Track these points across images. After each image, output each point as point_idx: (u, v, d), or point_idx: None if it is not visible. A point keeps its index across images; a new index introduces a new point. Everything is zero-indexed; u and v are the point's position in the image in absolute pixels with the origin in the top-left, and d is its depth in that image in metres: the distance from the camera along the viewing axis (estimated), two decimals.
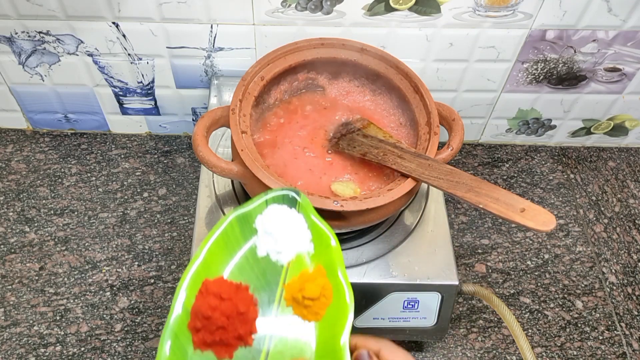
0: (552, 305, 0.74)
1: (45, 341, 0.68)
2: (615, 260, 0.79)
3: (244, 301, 0.46)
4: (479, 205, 0.48)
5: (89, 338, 0.69)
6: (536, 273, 0.77)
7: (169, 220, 0.79)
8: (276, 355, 0.46)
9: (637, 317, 0.74)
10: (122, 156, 0.86)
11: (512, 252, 0.78)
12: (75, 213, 0.79)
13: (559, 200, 0.84)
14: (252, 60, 0.75)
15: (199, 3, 0.68)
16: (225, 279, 0.47)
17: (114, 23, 0.70)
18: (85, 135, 0.88)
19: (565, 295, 0.75)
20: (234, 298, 0.46)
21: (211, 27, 0.71)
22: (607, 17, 0.70)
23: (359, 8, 0.68)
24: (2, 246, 0.76)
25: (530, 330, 0.72)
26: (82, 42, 0.73)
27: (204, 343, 0.45)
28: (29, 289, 0.72)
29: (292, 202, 0.50)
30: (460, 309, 0.73)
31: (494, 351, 0.70)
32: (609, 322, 0.73)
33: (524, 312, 0.73)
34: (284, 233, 0.49)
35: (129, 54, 0.75)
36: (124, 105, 0.84)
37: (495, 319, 0.73)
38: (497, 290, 0.75)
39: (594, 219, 0.83)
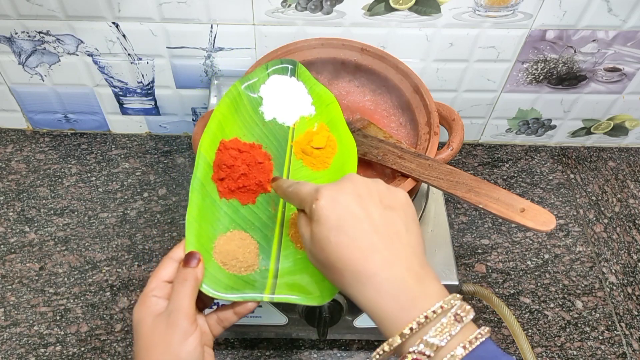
0: (552, 305, 0.74)
1: (45, 341, 0.68)
2: (615, 260, 0.79)
3: (260, 154, 0.51)
4: (479, 205, 0.48)
5: (89, 338, 0.69)
6: (536, 273, 0.77)
7: (169, 220, 0.79)
8: None
9: (637, 317, 0.74)
10: (122, 156, 0.86)
11: (512, 252, 0.78)
12: (75, 213, 0.79)
13: (559, 200, 0.84)
14: (252, 60, 0.75)
15: (199, 3, 0.68)
16: (239, 140, 0.52)
17: (114, 23, 0.70)
18: (85, 135, 0.88)
19: (565, 295, 0.75)
20: (250, 151, 0.50)
21: (211, 27, 0.71)
22: (607, 17, 0.70)
23: (359, 8, 0.68)
24: (2, 246, 0.76)
25: (530, 330, 0.72)
26: (82, 42, 0.73)
27: (229, 191, 0.49)
28: (29, 289, 0.72)
29: (291, 72, 0.57)
30: None
31: None
32: (609, 322, 0.73)
33: (524, 312, 0.73)
34: (286, 98, 0.55)
35: (129, 54, 0.75)
36: (124, 105, 0.84)
37: (495, 319, 0.73)
38: (497, 290, 0.75)
39: (594, 219, 0.83)
